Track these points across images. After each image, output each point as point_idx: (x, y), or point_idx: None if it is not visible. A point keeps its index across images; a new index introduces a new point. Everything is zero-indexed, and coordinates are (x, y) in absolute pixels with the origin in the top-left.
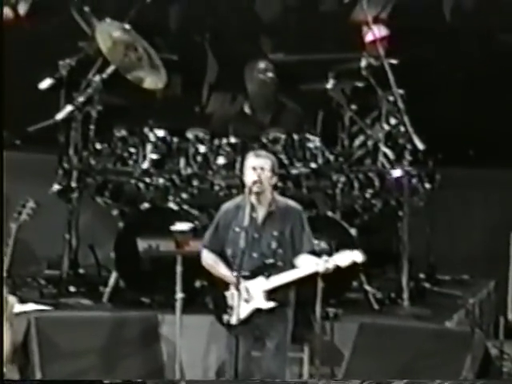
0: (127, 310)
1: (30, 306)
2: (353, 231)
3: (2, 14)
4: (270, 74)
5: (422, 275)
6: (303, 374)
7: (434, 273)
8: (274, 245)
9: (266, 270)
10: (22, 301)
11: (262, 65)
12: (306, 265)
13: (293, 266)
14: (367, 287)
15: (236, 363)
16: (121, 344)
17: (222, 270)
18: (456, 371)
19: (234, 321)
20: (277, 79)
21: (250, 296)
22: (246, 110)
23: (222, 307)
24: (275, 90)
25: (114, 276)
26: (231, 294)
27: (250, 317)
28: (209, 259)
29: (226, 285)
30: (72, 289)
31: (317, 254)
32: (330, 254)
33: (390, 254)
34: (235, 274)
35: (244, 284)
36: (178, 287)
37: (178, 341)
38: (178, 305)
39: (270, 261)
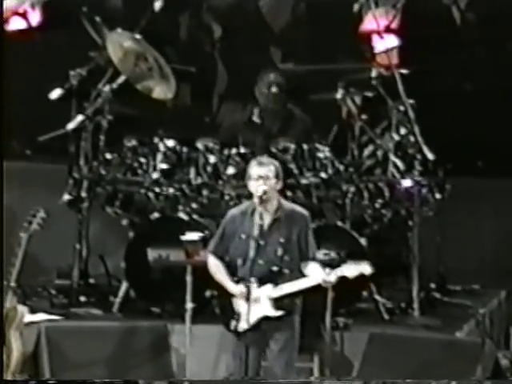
0: (137, 320)
1: (41, 316)
2: (363, 241)
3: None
4: (276, 89)
5: (432, 285)
6: None
7: (445, 283)
8: (280, 252)
9: (273, 278)
10: (33, 311)
11: (271, 78)
12: (314, 275)
13: (300, 273)
14: (377, 297)
15: (246, 370)
16: (131, 354)
17: (224, 280)
18: (466, 382)
19: (241, 328)
20: (286, 92)
21: (257, 303)
22: (255, 119)
23: (229, 313)
24: (285, 102)
25: (124, 286)
26: (238, 301)
27: (257, 324)
28: (214, 266)
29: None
30: (82, 299)
31: (323, 262)
32: (339, 264)
33: (400, 264)
34: (241, 281)
35: (251, 291)
36: (188, 297)
37: (188, 350)
38: (188, 315)
39: (276, 268)
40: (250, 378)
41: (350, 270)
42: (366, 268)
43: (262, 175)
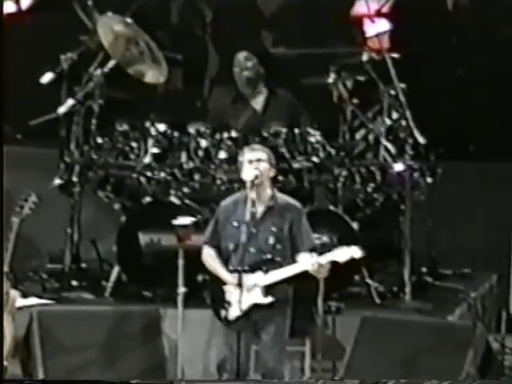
0: (129, 304)
1: (32, 300)
2: (354, 225)
3: (3, 10)
4: (250, 64)
5: (423, 269)
6: (304, 368)
7: (436, 267)
8: (271, 240)
9: (264, 265)
10: (24, 295)
11: (241, 55)
12: (303, 261)
13: (292, 262)
14: (369, 281)
15: (238, 358)
16: (123, 338)
17: (218, 268)
18: (458, 365)
19: (231, 316)
20: (259, 67)
21: (248, 291)
22: (238, 101)
23: (219, 302)
24: (258, 83)
25: (115, 270)
26: (229, 289)
27: (248, 312)
28: (208, 256)
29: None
30: (74, 283)
31: (316, 250)
32: (331, 248)
33: (391, 248)
34: (234, 268)
35: (243, 279)
36: (180, 281)
37: (180, 335)
38: (180, 299)
39: (268, 256)
40: (247, 372)
41: (340, 254)
42: (356, 251)
43: (253, 159)
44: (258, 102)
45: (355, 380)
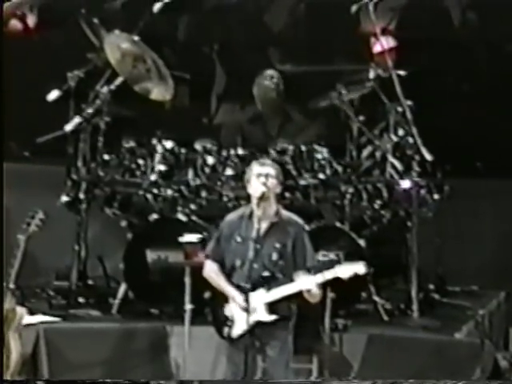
0: (136, 322)
1: (39, 318)
2: (361, 242)
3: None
4: (276, 81)
5: (431, 286)
6: None
7: (444, 284)
8: (275, 256)
9: (267, 282)
10: (31, 312)
11: (269, 72)
12: (305, 279)
13: (294, 280)
14: (376, 298)
15: (245, 375)
16: (129, 355)
17: (223, 284)
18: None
19: (234, 334)
20: (282, 87)
21: (251, 308)
22: (254, 120)
23: (221, 320)
24: (281, 98)
25: (122, 287)
26: (231, 306)
27: (252, 329)
28: (211, 271)
29: (227, 297)
30: (81, 300)
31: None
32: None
33: (399, 265)
34: (237, 284)
35: (246, 296)
36: (187, 298)
37: (187, 352)
38: (187, 316)
39: (271, 273)
40: (248, 380)
41: (344, 270)
42: (360, 268)
43: (262, 173)
44: (274, 125)
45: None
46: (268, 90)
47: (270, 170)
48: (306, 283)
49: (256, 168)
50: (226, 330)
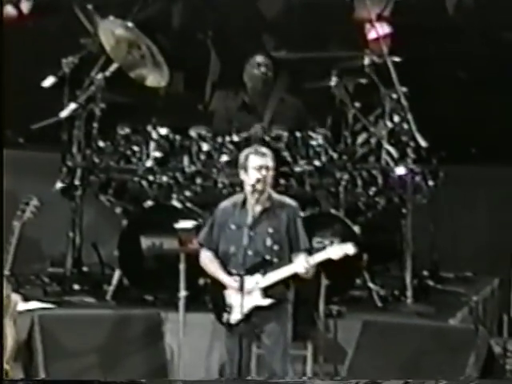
0: (131, 308)
1: (34, 304)
2: (356, 229)
3: (2, 13)
4: (264, 69)
5: (425, 273)
6: (306, 372)
7: (438, 270)
8: (269, 242)
9: (262, 268)
10: (26, 299)
11: (258, 59)
12: (297, 263)
13: (290, 263)
14: (371, 285)
15: (240, 361)
16: (124, 342)
17: (217, 271)
18: (459, 369)
19: (233, 320)
20: (271, 75)
21: (248, 294)
22: (246, 102)
23: (220, 306)
24: (272, 85)
25: (117, 274)
26: (229, 293)
27: (249, 315)
28: (206, 259)
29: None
30: (76, 287)
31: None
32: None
33: (393, 252)
34: (234, 271)
35: (244, 282)
36: (182, 285)
37: (182, 339)
38: (182, 303)
39: (265, 258)
40: (248, 375)
41: (334, 251)
42: (349, 248)
43: (262, 165)
44: (267, 111)
45: (353, 380)
46: (255, 79)
47: (268, 161)
48: (299, 266)
49: (254, 159)
50: (225, 316)
